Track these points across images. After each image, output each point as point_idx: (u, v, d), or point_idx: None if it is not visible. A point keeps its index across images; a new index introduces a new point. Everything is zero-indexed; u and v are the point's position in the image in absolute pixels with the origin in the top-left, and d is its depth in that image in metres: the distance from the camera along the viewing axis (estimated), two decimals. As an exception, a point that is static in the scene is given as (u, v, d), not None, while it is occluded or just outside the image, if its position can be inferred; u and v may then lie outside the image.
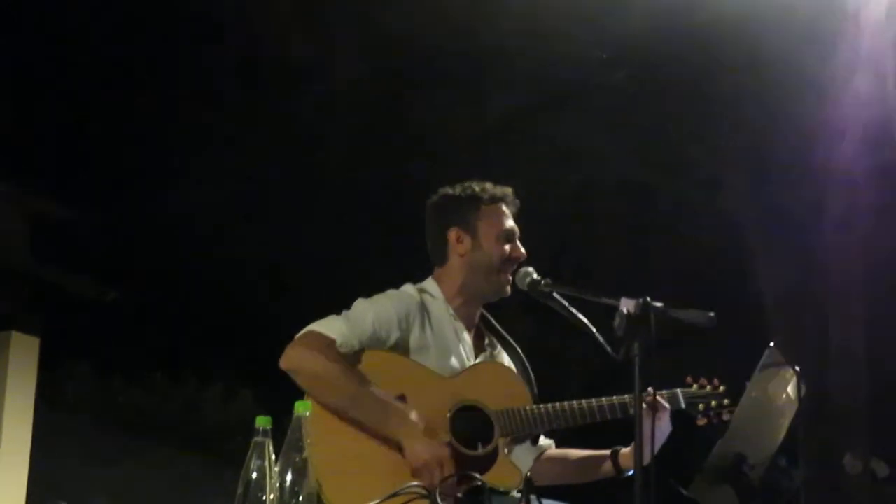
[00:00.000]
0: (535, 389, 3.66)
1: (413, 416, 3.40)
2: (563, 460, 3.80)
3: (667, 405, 3.63)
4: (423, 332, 3.59)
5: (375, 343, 3.51)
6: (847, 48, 8.84)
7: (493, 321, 3.85)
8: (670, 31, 8.66)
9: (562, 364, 9.75)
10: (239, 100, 10.58)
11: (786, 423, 3.47)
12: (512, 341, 3.84)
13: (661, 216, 10.78)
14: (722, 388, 3.70)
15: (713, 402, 3.69)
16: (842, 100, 9.05)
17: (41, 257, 9.58)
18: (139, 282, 10.86)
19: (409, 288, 3.71)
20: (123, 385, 11.24)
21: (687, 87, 9.48)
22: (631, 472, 3.63)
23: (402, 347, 3.55)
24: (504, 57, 9.33)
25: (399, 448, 3.40)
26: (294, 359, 3.44)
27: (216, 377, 11.43)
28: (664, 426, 3.62)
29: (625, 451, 3.68)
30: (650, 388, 3.63)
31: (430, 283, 3.75)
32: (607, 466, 3.73)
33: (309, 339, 3.47)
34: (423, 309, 3.63)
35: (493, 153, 9.73)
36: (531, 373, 3.73)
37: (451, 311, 3.69)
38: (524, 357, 3.81)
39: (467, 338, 3.71)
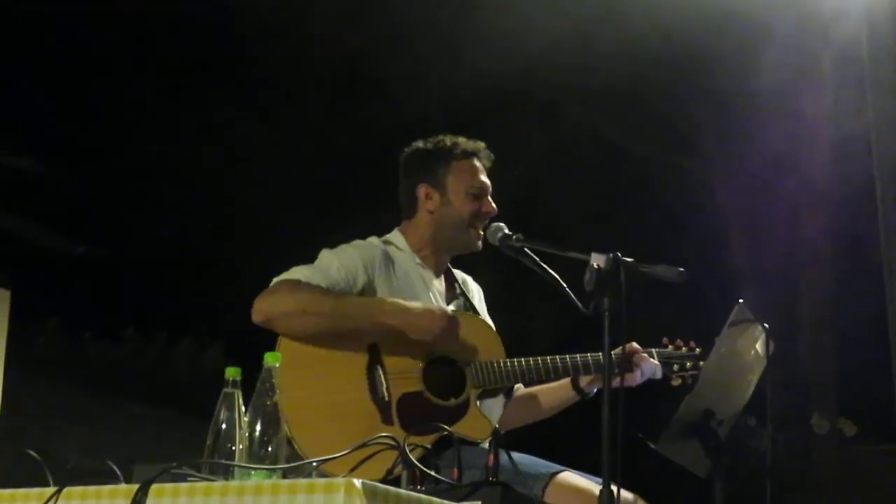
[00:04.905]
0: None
1: (400, 300, 3.45)
2: (530, 397, 3.83)
3: (651, 363, 3.66)
4: (388, 280, 3.59)
5: (342, 289, 3.51)
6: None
7: (456, 271, 3.86)
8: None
9: (531, 319, 9.77)
10: (209, 54, 10.48)
11: (754, 379, 3.50)
12: (474, 295, 3.85)
13: (633, 176, 10.79)
14: (698, 349, 3.74)
15: (688, 363, 3.73)
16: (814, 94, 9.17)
17: (11, 210, 9.51)
18: (110, 235, 10.80)
19: (373, 239, 3.72)
20: (93, 339, 11.20)
21: (665, 53, 9.48)
22: (595, 390, 3.69)
23: (369, 293, 3.56)
24: (481, 16, 9.30)
25: (375, 392, 3.43)
26: (264, 308, 3.45)
27: (187, 331, 11.41)
28: (637, 380, 3.66)
29: (584, 377, 3.72)
30: (634, 344, 3.67)
31: (395, 235, 3.75)
32: (570, 393, 3.78)
33: (274, 287, 3.49)
34: (388, 258, 3.64)
35: (466, 110, 9.70)
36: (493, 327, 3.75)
37: (418, 260, 3.70)
38: (485, 307, 3.84)
39: (437, 285, 3.72)
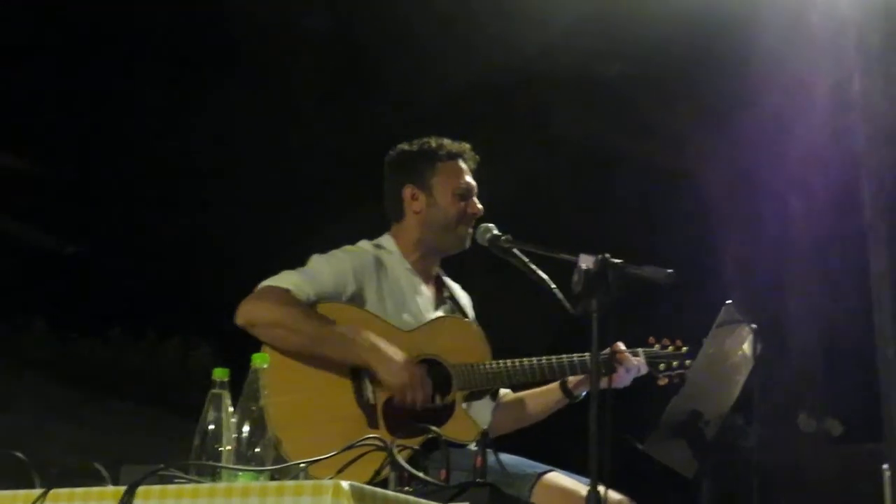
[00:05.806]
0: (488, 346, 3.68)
1: (380, 341, 3.42)
2: (518, 402, 3.84)
3: (635, 362, 3.66)
4: (378, 286, 3.60)
5: (331, 296, 3.51)
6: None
7: (445, 278, 3.86)
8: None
9: (521, 321, 9.78)
10: (205, 50, 10.46)
11: (741, 379, 3.51)
12: (462, 301, 3.85)
13: (623, 176, 10.80)
14: (685, 348, 3.74)
15: (674, 363, 3.72)
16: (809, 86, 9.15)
17: (-1, 209, 9.48)
18: (97, 235, 10.77)
19: (364, 244, 3.73)
20: (81, 339, 11.18)
21: (656, 52, 9.48)
22: (584, 394, 3.69)
23: (358, 301, 3.56)
24: (473, 20, 9.30)
25: (359, 392, 3.42)
26: (248, 312, 3.44)
27: (174, 331, 11.40)
28: (624, 381, 3.66)
29: (572, 378, 3.72)
30: (620, 344, 3.67)
31: (385, 239, 3.76)
32: (558, 396, 3.78)
33: (262, 292, 3.48)
34: (379, 263, 3.64)
35: (457, 112, 9.70)
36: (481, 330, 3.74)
37: (408, 266, 3.70)
38: (473, 315, 3.84)
39: (426, 290, 3.73)
